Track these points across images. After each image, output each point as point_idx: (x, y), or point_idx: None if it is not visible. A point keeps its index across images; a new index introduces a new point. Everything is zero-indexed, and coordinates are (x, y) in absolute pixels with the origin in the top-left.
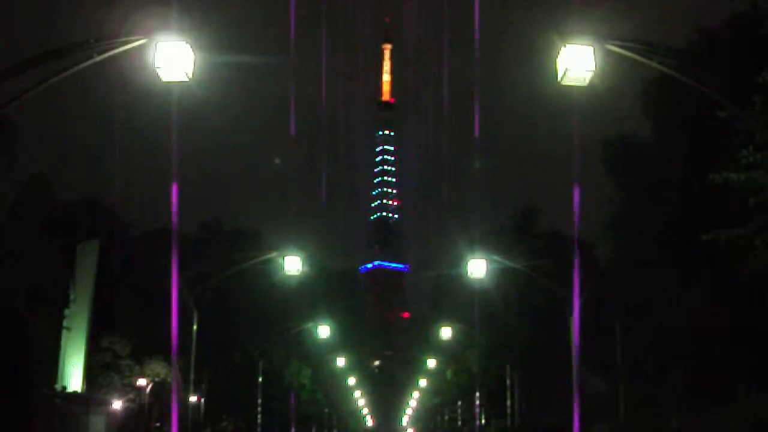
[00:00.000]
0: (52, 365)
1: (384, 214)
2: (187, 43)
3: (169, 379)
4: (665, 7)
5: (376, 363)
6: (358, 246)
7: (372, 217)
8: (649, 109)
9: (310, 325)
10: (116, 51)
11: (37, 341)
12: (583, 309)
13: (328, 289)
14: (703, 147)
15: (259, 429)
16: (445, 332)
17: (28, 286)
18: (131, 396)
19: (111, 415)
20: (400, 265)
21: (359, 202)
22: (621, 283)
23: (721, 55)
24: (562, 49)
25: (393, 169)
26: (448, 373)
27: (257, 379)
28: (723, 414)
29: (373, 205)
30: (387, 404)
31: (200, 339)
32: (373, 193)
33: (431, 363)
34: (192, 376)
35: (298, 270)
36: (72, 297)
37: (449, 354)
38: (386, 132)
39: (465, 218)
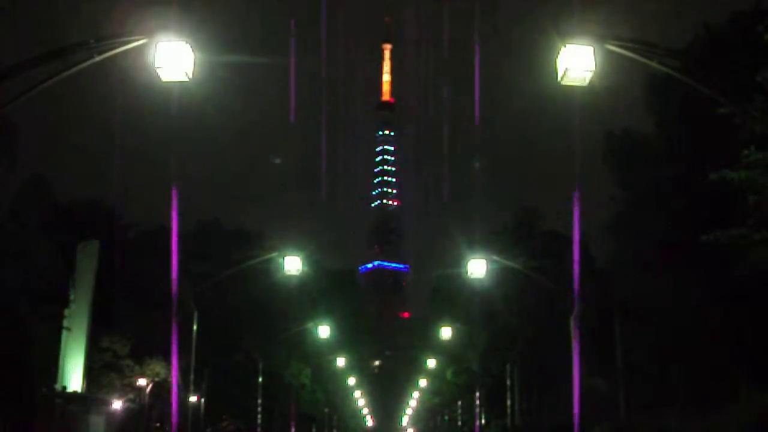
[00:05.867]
0: (52, 365)
1: (384, 211)
2: (187, 43)
3: (169, 379)
4: (665, 7)
5: (376, 363)
6: (358, 246)
7: (372, 217)
8: (653, 105)
9: (310, 325)
10: (116, 51)
11: (37, 341)
12: (583, 309)
13: (328, 289)
14: (706, 144)
15: (259, 429)
16: (445, 332)
17: (28, 286)
18: (131, 396)
19: (111, 415)
20: (400, 265)
21: (359, 202)
22: (621, 282)
23: (724, 52)
24: (562, 49)
25: (393, 169)
26: (448, 373)
27: (257, 379)
28: (723, 414)
29: (373, 205)
30: (387, 404)
31: (200, 339)
32: (373, 193)
33: (431, 363)
34: (192, 376)
35: (298, 270)
36: (72, 297)
37: (449, 354)
38: (386, 132)
39: (465, 218)
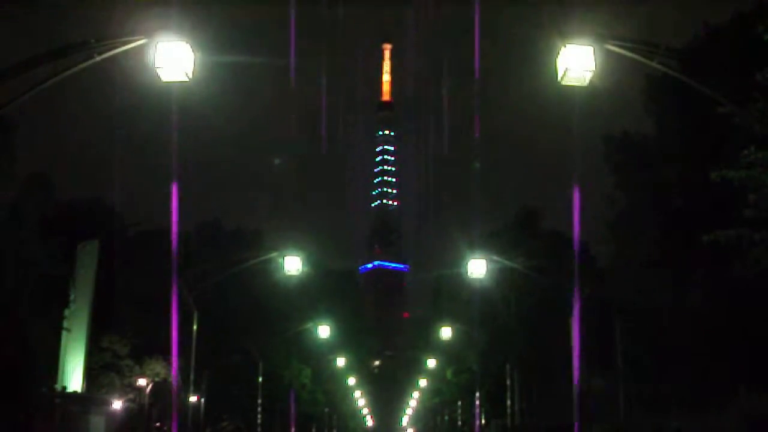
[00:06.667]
0: (52, 365)
1: (384, 211)
2: (187, 43)
3: (169, 379)
4: (666, 7)
5: (376, 363)
6: (358, 246)
7: (372, 217)
8: (651, 106)
9: (310, 325)
10: (116, 51)
11: (37, 341)
12: (583, 309)
13: (328, 289)
14: (705, 144)
15: (259, 429)
16: (445, 332)
17: (28, 286)
18: (131, 396)
19: (111, 415)
20: (400, 265)
21: (359, 202)
22: (621, 282)
23: (725, 52)
24: (562, 49)
25: (393, 169)
26: (448, 373)
27: (257, 379)
28: (723, 414)
29: (373, 205)
30: (387, 404)
31: (200, 339)
32: (373, 193)
33: (431, 363)
34: (192, 376)
35: (298, 270)
36: (72, 297)
37: (449, 354)
38: (386, 132)
39: (465, 218)
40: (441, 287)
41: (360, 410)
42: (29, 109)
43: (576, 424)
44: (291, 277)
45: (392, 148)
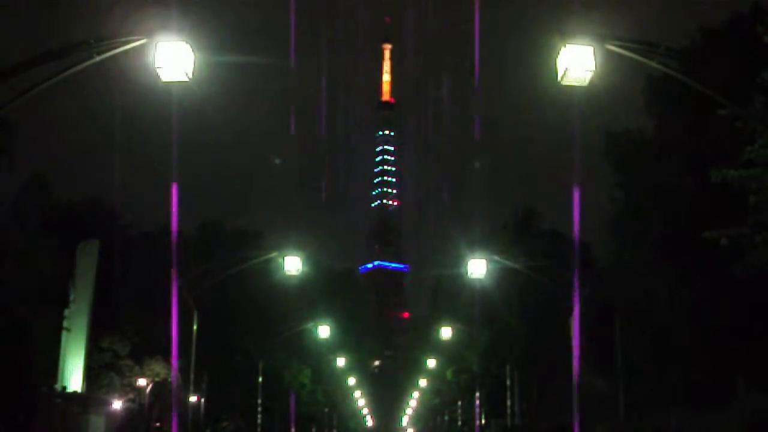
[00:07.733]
0: (52, 365)
1: (384, 211)
2: (187, 43)
3: (169, 379)
4: (665, 7)
5: (376, 363)
6: (358, 246)
7: (372, 217)
8: (652, 106)
9: (310, 325)
10: (116, 51)
11: (37, 341)
12: (583, 309)
13: (328, 289)
14: (705, 145)
15: (259, 429)
16: (445, 332)
17: (28, 286)
18: (131, 396)
19: (111, 415)
20: (400, 265)
21: (359, 203)
22: (621, 282)
23: (723, 53)
24: (562, 49)
25: (393, 169)
26: (448, 373)
27: (257, 379)
28: (723, 414)
29: (373, 205)
30: (387, 404)
31: (200, 339)
32: (373, 193)
33: (431, 363)
34: (192, 376)
35: (298, 270)
36: (72, 297)
37: (449, 354)
38: (386, 132)
39: (465, 218)
40: (441, 287)
41: (360, 410)
42: (29, 109)
43: (576, 424)
44: (291, 277)
45: (392, 148)
